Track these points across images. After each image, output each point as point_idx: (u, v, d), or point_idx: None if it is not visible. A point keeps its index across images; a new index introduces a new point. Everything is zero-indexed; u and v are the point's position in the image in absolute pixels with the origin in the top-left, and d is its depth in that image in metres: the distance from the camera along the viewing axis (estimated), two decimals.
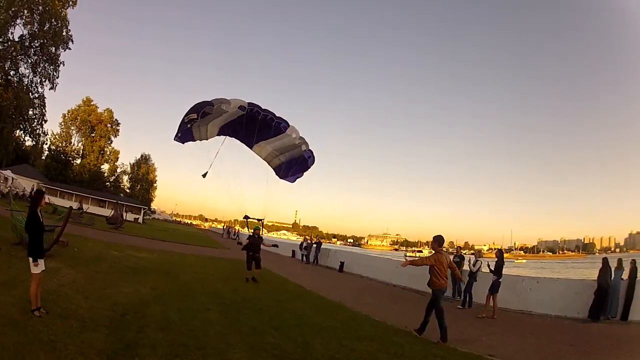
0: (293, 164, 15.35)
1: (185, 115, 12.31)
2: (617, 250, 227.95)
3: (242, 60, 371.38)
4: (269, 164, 15.77)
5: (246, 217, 16.03)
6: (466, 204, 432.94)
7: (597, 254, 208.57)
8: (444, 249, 10.17)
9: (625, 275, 13.58)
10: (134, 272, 12.84)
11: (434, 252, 9.94)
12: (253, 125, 13.63)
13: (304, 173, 15.99)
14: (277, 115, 13.81)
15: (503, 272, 13.75)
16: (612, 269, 13.64)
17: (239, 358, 6.32)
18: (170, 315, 8.21)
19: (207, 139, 13.92)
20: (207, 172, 13.38)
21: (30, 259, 6.71)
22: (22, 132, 46.88)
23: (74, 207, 40.87)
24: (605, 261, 13.93)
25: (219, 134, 14.18)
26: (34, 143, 50.87)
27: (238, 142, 15.03)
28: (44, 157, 76.80)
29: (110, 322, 6.98)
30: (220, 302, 10.47)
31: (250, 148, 15.25)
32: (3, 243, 12.65)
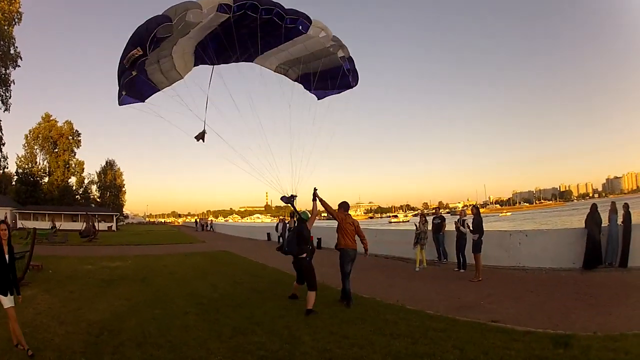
0: (324, 77, 10.02)
1: (123, 56, 7.31)
2: (596, 195, 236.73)
3: None
4: (285, 75, 10.28)
5: (291, 198, 9.30)
6: (436, 163, 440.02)
7: (575, 200, 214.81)
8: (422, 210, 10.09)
9: (619, 220, 13.34)
10: (108, 285, 12.43)
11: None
12: (249, 32, 8.43)
13: (341, 92, 10.56)
14: (288, 9, 8.31)
15: (484, 229, 13.28)
16: (602, 215, 13.54)
17: None
18: (146, 327, 7.68)
19: (181, 78, 8.81)
20: (204, 132, 8.67)
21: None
22: None
23: (46, 227, 40.04)
24: (593, 207, 13.76)
25: (196, 64, 9.11)
26: None
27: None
28: (13, 183, 75.82)
29: (85, 346, 6.61)
30: (198, 302, 9.91)
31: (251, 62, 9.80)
32: None
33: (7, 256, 6.39)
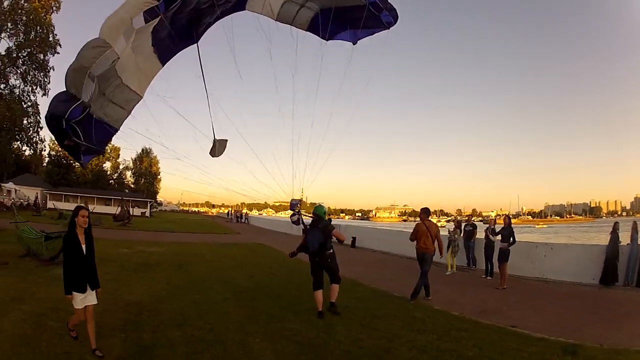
0: (346, 18, 7.48)
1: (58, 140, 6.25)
2: (624, 214, 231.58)
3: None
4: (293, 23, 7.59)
5: (294, 205, 8.77)
6: (472, 172, 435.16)
7: (604, 217, 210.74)
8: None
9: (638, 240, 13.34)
10: (145, 269, 12.73)
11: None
12: None
13: (377, 32, 7.77)
14: None
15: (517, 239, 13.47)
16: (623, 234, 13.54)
17: (260, 348, 6.23)
18: (185, 310, 8.11)
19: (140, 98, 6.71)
20: (215, 146, 7.48)
21: (76, 293, 5.60)
22: (19, 142, 46.77)
23: None
24: (615, 226, 13.81)
25: (167, 60, 6.91)
26: (32, 151, 50.74)
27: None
28: (45, 164, 76.70)
29: (124, 324, 6.90)
30: (236, 290, 10.40)
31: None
32: (10, 257, 12.52)
33: (84, 246, 5.70)
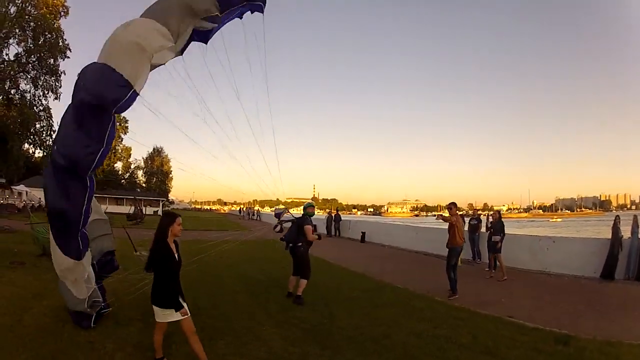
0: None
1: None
2: (633, 207, 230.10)
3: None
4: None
5: (278, 214, 10.90)
6: (484, 166, 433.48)
7: (613, 210, 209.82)
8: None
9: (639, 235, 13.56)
10: None
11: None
12: None
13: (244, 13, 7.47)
14: None
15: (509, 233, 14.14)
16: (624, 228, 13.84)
17: (270, 334, 6.72)
18: (200, 301, 8.49)
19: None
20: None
21: (156, 307, 5.17)
22: (31, 145, 47.22)
23: None
24: (616, 220, 14.06)
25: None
26: (45, 154, 51.41)
27: None
28: None
29: (142, 313, 7.18)
30: (247, 283, 10.91)
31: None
32: (27, 257, 12.83)
33: (177, 255, 5.37)
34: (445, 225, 10.92)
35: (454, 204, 11.00)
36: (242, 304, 8.76)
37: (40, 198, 50.46)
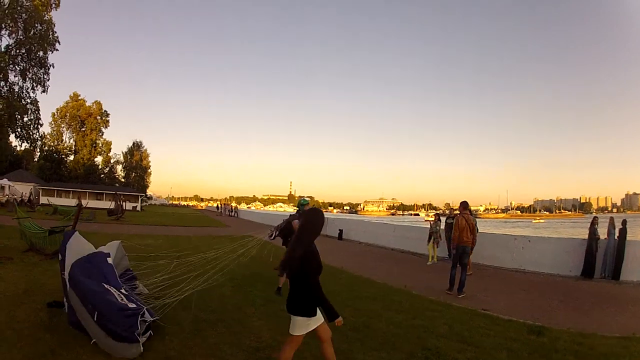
0: None
1: None
2: (614, 210, 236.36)
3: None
4: None
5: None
6: (461, 166, 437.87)
7: (593, 213, 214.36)
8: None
9: (616, 235, 14.15)
10: (145, 260, 13.11)
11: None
12: None
13: None
14: None
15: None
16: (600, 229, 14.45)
17: (258, 325, 7.06)
18: (188, 296, 8.74)
19: None
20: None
21: (296, 317, 4.56)
22: (18, 139, 46.77)
23: (71, 204, 40.95)
24: (594, 220, 14.68)
25: None
26: (32, 148, 50.82)
27: None
28: (36, 159, 76.57)
29: None
30: (232, 277, 11.09)
31: None
32: (14, 252, 12.76)
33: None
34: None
35: (466, 202, 11.36)
36: (229, 297, 9.16)
37: (23, 193, 49.96)
